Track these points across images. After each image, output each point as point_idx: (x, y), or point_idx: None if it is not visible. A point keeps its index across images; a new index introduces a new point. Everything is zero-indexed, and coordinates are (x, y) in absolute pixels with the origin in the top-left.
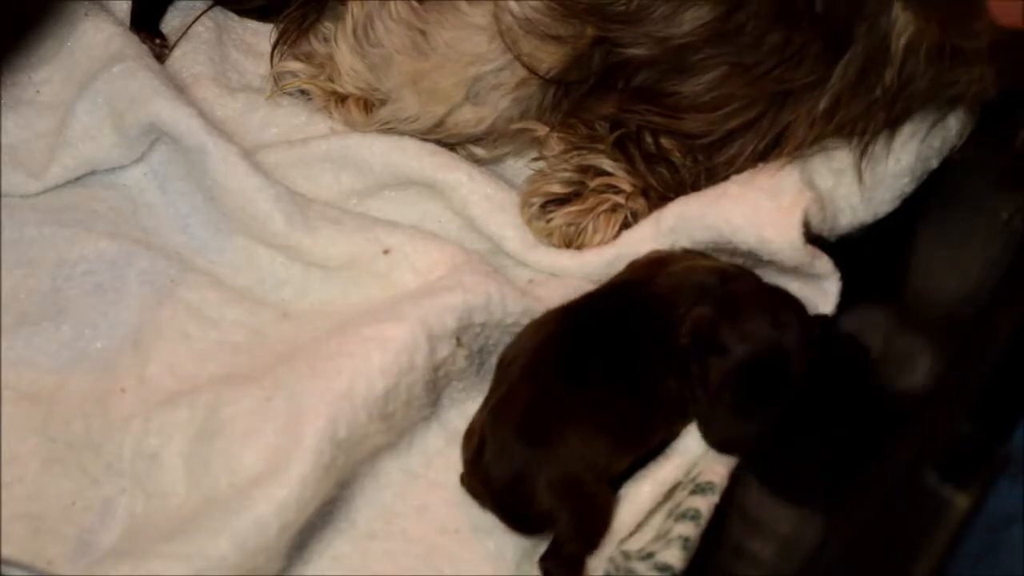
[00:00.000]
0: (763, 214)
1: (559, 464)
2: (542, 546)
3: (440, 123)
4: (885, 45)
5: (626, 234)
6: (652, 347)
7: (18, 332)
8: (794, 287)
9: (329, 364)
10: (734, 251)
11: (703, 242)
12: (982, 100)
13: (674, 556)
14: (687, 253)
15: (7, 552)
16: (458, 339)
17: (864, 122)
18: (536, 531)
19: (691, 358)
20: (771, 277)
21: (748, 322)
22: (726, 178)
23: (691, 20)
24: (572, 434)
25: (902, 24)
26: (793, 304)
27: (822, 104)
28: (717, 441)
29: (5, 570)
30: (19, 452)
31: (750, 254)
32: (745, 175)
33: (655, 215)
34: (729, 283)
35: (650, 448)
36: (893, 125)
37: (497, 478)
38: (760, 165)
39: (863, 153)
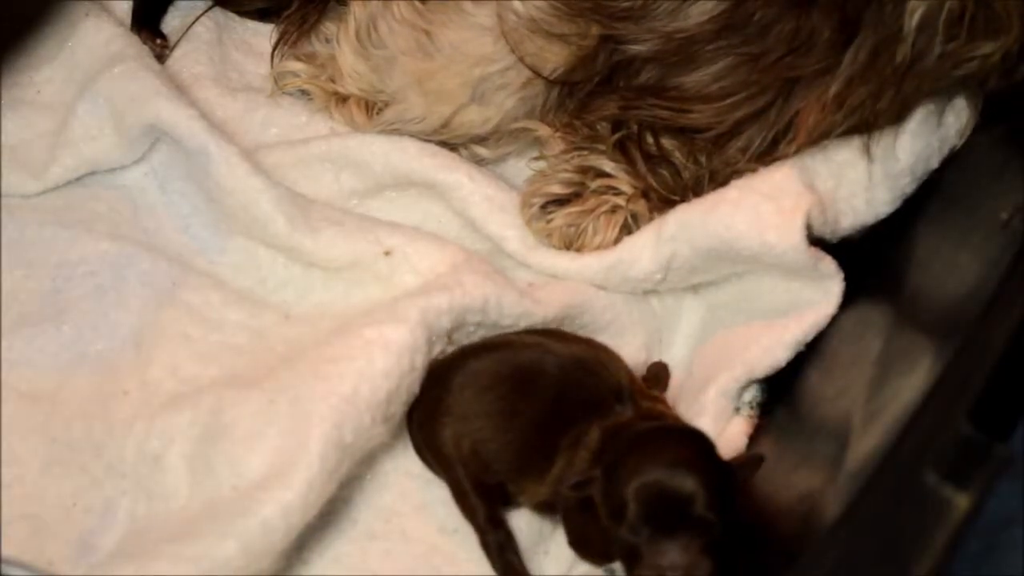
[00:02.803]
0: (765, 218)
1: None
2: (541, 544)
3: (445, 124)
4: (898, 25)
5: (627, 240)
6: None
7: (18, 333)
8: (795, 288)
9: (332, 367)
10: (736, 256)
11: (704, 249)
12: (990, 82)
13: None
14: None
15: (7, 552)
16: (449, 337)
17: (872, 105)
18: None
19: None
20: (773, 279)
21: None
22: (727, 181)
23: (698, 13)
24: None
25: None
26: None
27: (832, 89)
28: None
29: (6, 570)
30: (20, 453)
31: (752, 258)
32: (745, 180)
33: (656, 222)
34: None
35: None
36: (900, 110)
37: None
38: (764, 163)
39: (867, 152)
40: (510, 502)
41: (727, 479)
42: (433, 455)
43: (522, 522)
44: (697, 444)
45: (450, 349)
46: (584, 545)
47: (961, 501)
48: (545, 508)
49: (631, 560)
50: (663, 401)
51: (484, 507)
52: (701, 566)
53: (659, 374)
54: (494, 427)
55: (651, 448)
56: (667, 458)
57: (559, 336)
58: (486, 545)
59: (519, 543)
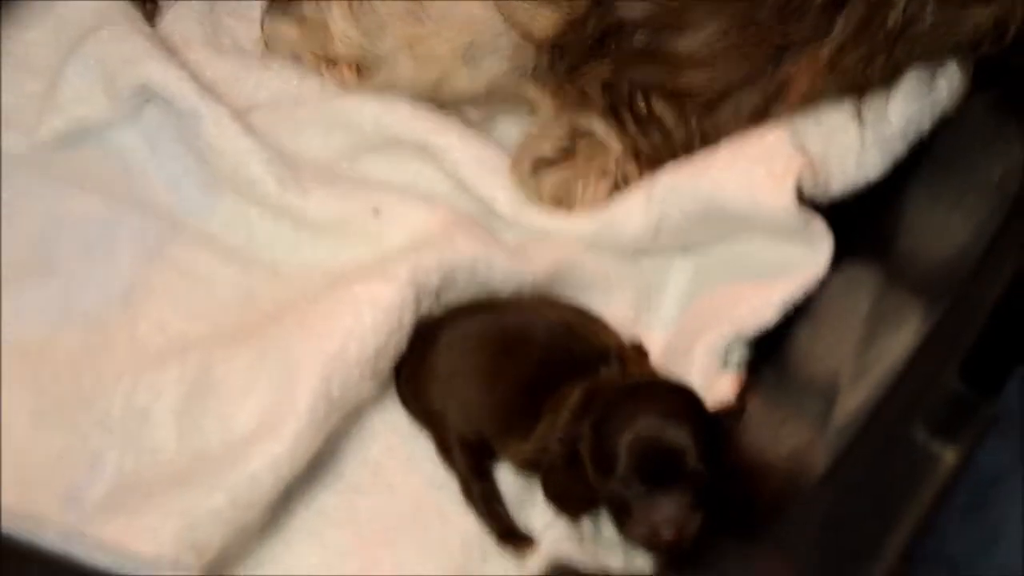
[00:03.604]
0: (756, 181)
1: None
2: (527, 496)
3: (436, 87)
4: None
5: (617, 201)
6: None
7: (7, 288)
8: (785, 248)
9: (321, 324)
10: (727, 218)
11: (694, 210)
12: (983, 47)
13: None
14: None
15: None
16: (438, 295)
17: (864, 69)
18: None
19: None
20: (763, 240)
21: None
22: (718, 143)
23: None
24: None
25: None
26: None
27: (824, 54)
28: (638, 534)
29: None
30: (7, 406)
31: (743, 220)
32: (736, 142)
33: (646, 184)
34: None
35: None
36: (892, 74)
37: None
38: (756, 125)
39: (859, 115)
40: (495, 457)
41: (714, 430)
42: (419, 410)
43: (508, 475)
44: (687, 397)
45: (435, 305)
46: (563, 500)
47: (949, 456)
48: (529, 467)
49: (622, 513)
50: (651, 369)
51: (468, 461)
52: (692, 520)
53: (638, 351)
54: (479, 387)
55: (641, 400)
56: (659, 411)
57: (548, 303)
58: (470, 496)
59: (504, 495)
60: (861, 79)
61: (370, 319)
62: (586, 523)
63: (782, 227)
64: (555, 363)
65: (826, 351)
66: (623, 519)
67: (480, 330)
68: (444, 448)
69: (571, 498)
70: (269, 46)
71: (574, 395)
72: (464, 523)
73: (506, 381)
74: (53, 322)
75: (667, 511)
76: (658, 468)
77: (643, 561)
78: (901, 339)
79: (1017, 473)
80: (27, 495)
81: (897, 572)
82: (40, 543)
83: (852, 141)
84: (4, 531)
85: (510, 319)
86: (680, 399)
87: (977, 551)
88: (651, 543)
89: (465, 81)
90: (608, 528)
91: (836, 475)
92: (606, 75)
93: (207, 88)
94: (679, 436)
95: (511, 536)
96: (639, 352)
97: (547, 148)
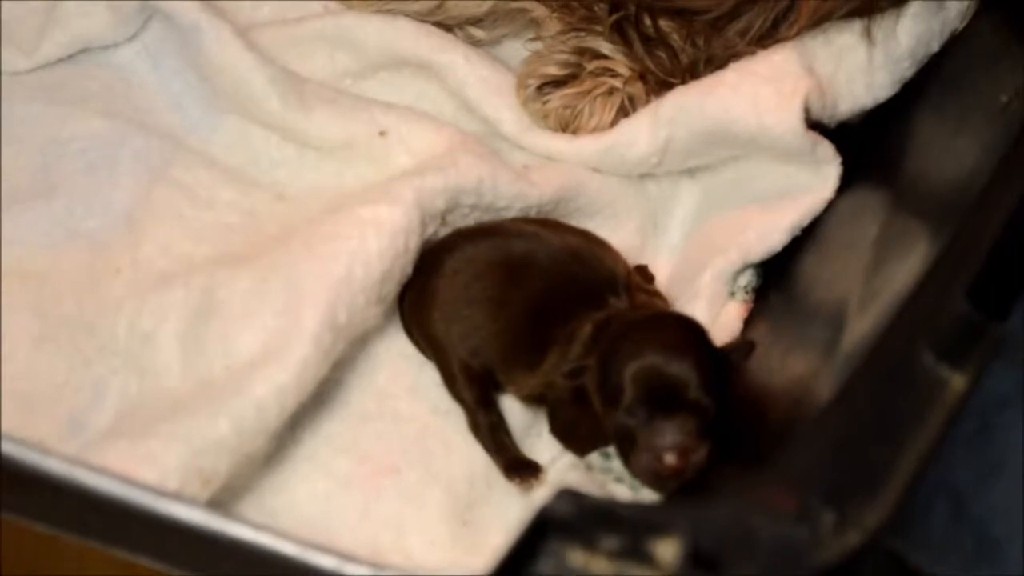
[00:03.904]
0: (763, 101)
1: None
2: (533, 427)
3: (440, 4)
4: None
5: (624, 123)
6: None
7: (8, 210)
8: (792, 172)
9: (326, 247)
10: (733, 140)
11: (701, 132)
12: None
13: None
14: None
15: None
16: (443, 218)
17: None
18: None
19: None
20: (770, 163)
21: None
22: (725, 64)
23: None
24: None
25: None
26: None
27: None
28: (643, 465)
29: None
30: (9, 329)
31: (750, 142)
32: (743, 62)
33: (653, 105)
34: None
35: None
36: None
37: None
38: (763, 46)
39: (868, 35)
40: (500, 388)
41: (720, 364)
42: (423, 338)
43: (514, 404)
44: (690, 329)
45: (444, 231)
46: (569, 434)
47: (957, 381)
48: (534, 400)
49: (627, 444)
50: (658, 294)
51: (473, 390)
52: (698, 448)
53: (644, 274)
54: (484, 315)
55: (646, 333)
56: (662, 342)
57: (554, 226)
58: (476, 426)
59: (511, 425)
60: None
61: (375, 243)
62: (595, 455)
63: (789, 149)
64: (562, 292)
65: (833, 277)
66: (629, 449)
67: (485, 257)
68: (448, 377)
69: (578, 434)
70: None
71: (585, 329)
72: (470, 451)
73: (512, 310)
74: (55, 245)
75: (671, 438)
76: (661, 395)
77: (651, 493)
78: (908, 264)
79: (1019, 399)
80: (30, 421)
81: (903, 501)
82: (44, 469)
83: (861, 61)
84: (6, 457)
85: (515, 246)
86: (684, 330)
87: (980, 481)
88: (657, 473)
89: None
90: (617, 461)
91: (843, 401)
92: None
93: (208, 4)
94: (682, 365)
95: (518, 467)
96: (645, 275)
97: (553, 68)
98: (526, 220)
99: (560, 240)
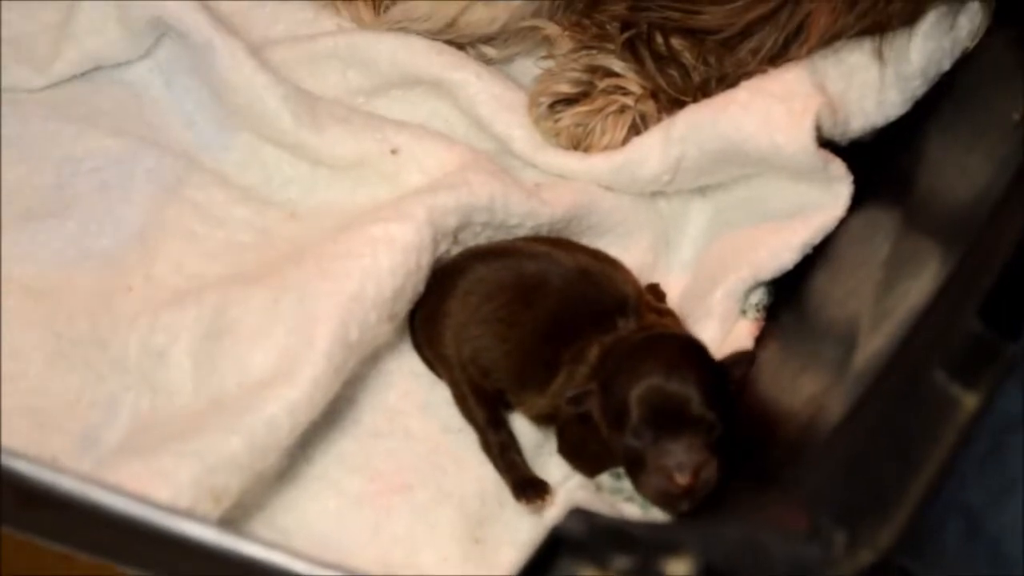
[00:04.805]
0: (774, 120)
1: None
2: (545, 446)
3: (452, 23)
4: None
5: (635, 140)
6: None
7: (22, 227)
8: (804, 190)
9: (338, 265)
10: (745, 158)
11: (713, 150)
12: None
13: None
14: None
15: (10, 445)
16: (455, 236)
17: (885, 7)
18: None
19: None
20: (782, 182)
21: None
22: (737, 82)
23: None
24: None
25: None
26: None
27: None
28: (654, 486)
29: (7, 461)
30: (22, 347)
31: (762, 160)
32: (755, 81)
33: (665, 123)
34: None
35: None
36: (913, 12)
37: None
38: (774, 65)
39: (879, 54)
40: (510, 408)
41: (722, 378)
42: (434, 357)
43: (525, 424)
44: (687, 347)
45: (456, 249)
46: (578, 456)
47: (969, 400)
48: (545, 420)
49: (636, 466)
50: (670, 313)
51: (484, 410)
52: (708, 465)
53: (656, 293)
54: (494, 335)
55: (645, 355)
56: (661, 362)
57: (566, 245)
58: (487, 446)
59: (521, 445)
60: (882, 17)
61: (387, 260)
62: (605, 475)
63: (801, 167)
64: (572, 313)
65: (845, 295)
66: (639, 473)
67: (496, 277)
68: (459, 396)
69: (586, 455)
70: None
71: (592, 351)
72: (481, 469)
73: (522, 331)
74: (68, 263)
75: (679, 456)
76: (665, 415)
77: (661, 513)
78: (920, 282)
79: None
80: (42, 437)
81: (915, 520)
82: (56, 486)
83: (872, 80)
84: (20, 474)
85: (527, 267)
86: (682, 348)
87: (992, 500)
88: (668, 493)
89: (482, 16)
90: (628, 481)
91: (855, 420)
92: (624, 12)
93: (222, 21)
94: (683, 382)
95: (525, 486)
96: (657, 294)
97: (565, 86)
98: (538, 239)
99: (572, 261)
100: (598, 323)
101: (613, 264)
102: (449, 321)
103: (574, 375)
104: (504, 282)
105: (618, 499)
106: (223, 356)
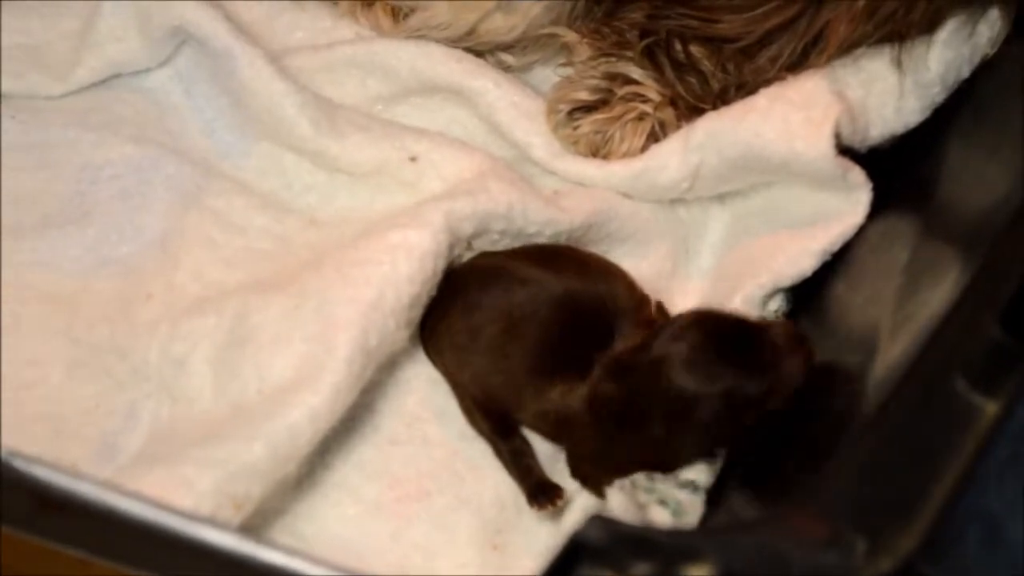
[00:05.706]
0: (794, 127)
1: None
2: (560, 452)
3: (471, 31)
4: None
5: (654, 148)
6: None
7: (42, 235)
8: (823, 197)
9: (358, 272)
10: (764, 165)
11: (732, 157)
12: None
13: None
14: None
15: (30, 451)
16: (469, 242)
17: (904, 15)
18: None
19: None
20: (801, 189)
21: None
22: (756, 89)
23: None
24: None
25: None
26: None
27: (861, 1)
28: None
29: (25, 466)
30: (42, 354)
31: (781, 167)
32: (774, 88)
33: (684, 130)
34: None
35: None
36: (932, 20)
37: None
38: (793, 72)
39: (898, 61)
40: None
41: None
42: (440, 370)
43: None
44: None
45: (469, 254)
46: (598, 465)
47: (990, 408)
48: (549, 438)
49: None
50: None
51: (489, 422)
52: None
53: (660, 311)
54: (489, 363)
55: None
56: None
57: (556, 266)
58: (500, 455)
59: (537, 451)
60: (901, 25)
61: (406, 267)
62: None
63: (820, 174)
64: (558, 343)
65: (864, 302)
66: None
67: (489, 305)
68: (465, 410)
69: (608, 463)
70: None
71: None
72: (499, 476)
73: (511, 363)
74: (88, 271)
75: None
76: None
77: (691, 517)
78: (940, 289)
79: None
80: (62, 444)
81: (936, 527)
82: (75, 493)
83: (892, 87)
84: (38, 479)
85: (515, 296)
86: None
87: (1014, 508)
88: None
89: (501, 23)
90: (661, 483)
91: (875, 427)
92: (643, 20)
93: (242, 29)
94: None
95: (540, 492)
96: (661, 312)
97: (583, 93)
98: (532, 255)
99: (560, 285)
100: (590, 345)
101: (609, 278)
102: (449, 343)
103: (568, 397)
104: (494, 314)
105: (651, 499)
106: (243, 363)
